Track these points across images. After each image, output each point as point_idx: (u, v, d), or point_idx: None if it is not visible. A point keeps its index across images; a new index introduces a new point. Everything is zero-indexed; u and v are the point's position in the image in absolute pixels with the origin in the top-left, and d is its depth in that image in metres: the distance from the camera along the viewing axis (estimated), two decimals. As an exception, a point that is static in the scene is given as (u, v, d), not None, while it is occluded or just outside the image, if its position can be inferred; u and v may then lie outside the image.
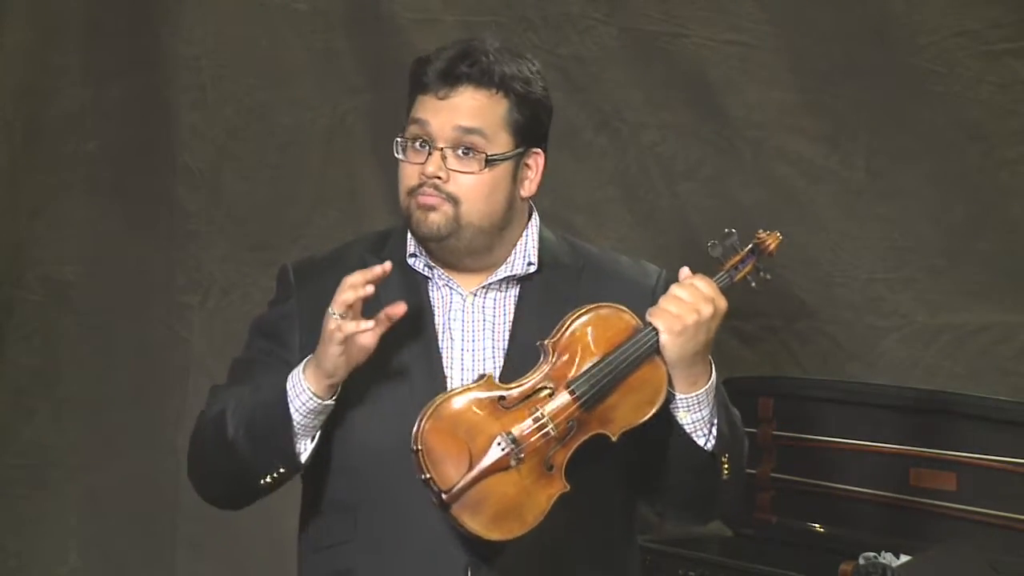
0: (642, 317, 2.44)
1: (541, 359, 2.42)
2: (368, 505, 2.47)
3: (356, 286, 2.37)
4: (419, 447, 2.35)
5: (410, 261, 2.54)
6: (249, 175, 4.12)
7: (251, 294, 4.07)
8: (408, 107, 2.52)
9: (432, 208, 2.46)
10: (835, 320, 3.88)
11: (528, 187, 2.54)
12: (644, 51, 3.99)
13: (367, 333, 2.37)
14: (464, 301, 2.52)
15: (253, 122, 4.10)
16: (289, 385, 2.42)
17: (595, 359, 2.40)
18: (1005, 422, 3.31)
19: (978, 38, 3.83)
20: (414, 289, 2.52)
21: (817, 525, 3.61)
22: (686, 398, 2.45)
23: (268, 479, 2.47)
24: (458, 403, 2.38)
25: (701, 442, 2.46)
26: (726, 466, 2.49)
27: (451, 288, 2.53)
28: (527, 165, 2.53)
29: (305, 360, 2.43)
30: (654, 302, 2.52)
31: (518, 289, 2.54)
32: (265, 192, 4.12)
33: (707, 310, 2.41)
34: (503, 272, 2.53)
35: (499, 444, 2.36)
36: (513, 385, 2.41)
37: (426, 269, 2.54)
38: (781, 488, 3.65)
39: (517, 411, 2.38)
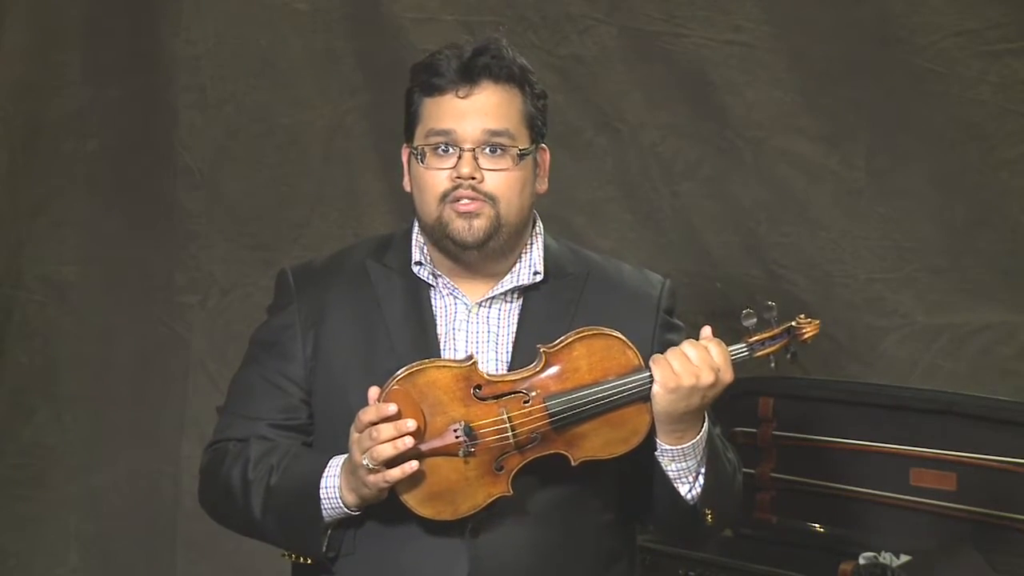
0: (646, 351, 2.42)
1: (533, 363, 2.41)
2: (367, 519, 2.45)
3: (393, 439, 2.31)
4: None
5: (415, 269, 2.53)
6: (249, 175, 4.11)
7: (251, 294, 4.07)
8: (411, 112, 2.50)
9: (475, 215, 2.44)
10: (835, 320, 3.87)
11: (542, 183, 2.54)
12: (644, 51, 3.98)
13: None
14: (469, 311, 2.51)
15: (253, 122, 4.10)
16: (323, 494, 2.41)
17: (583, 383, 2.38)
18: (1005, 422, 3.31)
19: (978, 38, 3.82)
20: (416, 296, 2.51)
21: (817, 525, 3.60)
22: (671, 449, 2.43)
23: (289, 555, 2.51)
24: (434, 376, 2.37)
25: (684, 490, 2.45)
26: (710, 516, 2.47)
27: (456, 297, 2.51)
28: (538, 161, 2.53)
29: (340, 470, 2.40)
30: (658, 312, 2.52)
31: (523, 300, 2.52)
32: (265, 192, 4.12)
33: (707, 378, 2.37)
34: (509, 282, 2.51)
35: (454, 431, 2.35)
36: (495, 378, 2.39)
37: (430, 277, 2.52)
38: (781, 488, 3.64)
39: (487, 405, 2.37)
